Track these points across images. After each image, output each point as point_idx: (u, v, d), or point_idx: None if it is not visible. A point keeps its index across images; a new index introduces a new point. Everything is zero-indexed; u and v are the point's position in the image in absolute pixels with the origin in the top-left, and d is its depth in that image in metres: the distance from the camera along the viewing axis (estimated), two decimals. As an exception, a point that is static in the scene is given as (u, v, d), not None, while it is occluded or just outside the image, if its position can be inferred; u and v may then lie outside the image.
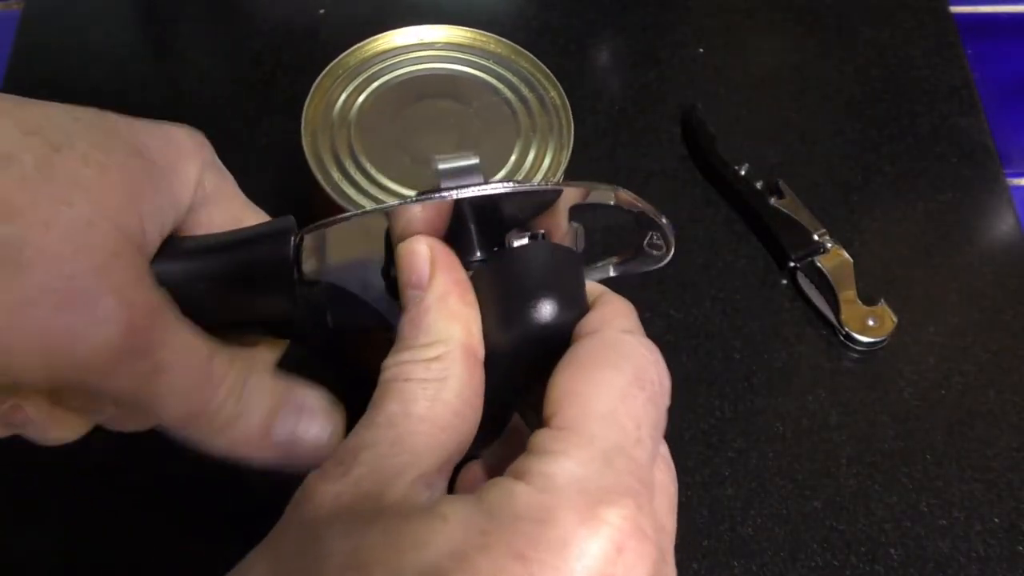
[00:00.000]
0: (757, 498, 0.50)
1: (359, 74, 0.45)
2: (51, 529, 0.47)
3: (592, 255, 0.35)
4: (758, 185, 0.59)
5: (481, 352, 0.30)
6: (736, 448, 0.51)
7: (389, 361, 0.29)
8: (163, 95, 0.63)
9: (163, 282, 0.32)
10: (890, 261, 0.58)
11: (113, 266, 0.29)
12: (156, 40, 0.67)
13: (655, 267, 0.35)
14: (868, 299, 0.55)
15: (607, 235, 0.35)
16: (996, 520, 0.50)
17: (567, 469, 0.26)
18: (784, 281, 0.57)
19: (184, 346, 0.32)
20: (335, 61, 0.45)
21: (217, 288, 0.33)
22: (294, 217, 0.34)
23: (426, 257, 0.31)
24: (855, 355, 0.55)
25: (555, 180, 0.41)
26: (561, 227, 0.34)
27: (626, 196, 0.33)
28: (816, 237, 0.57)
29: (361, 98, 0.45)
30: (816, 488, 0.50)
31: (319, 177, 0.42)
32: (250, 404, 0.34)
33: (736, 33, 0.68)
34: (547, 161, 0.43)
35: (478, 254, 0.33)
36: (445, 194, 0.31)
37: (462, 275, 0.31)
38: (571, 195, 0.33)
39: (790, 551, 0.48)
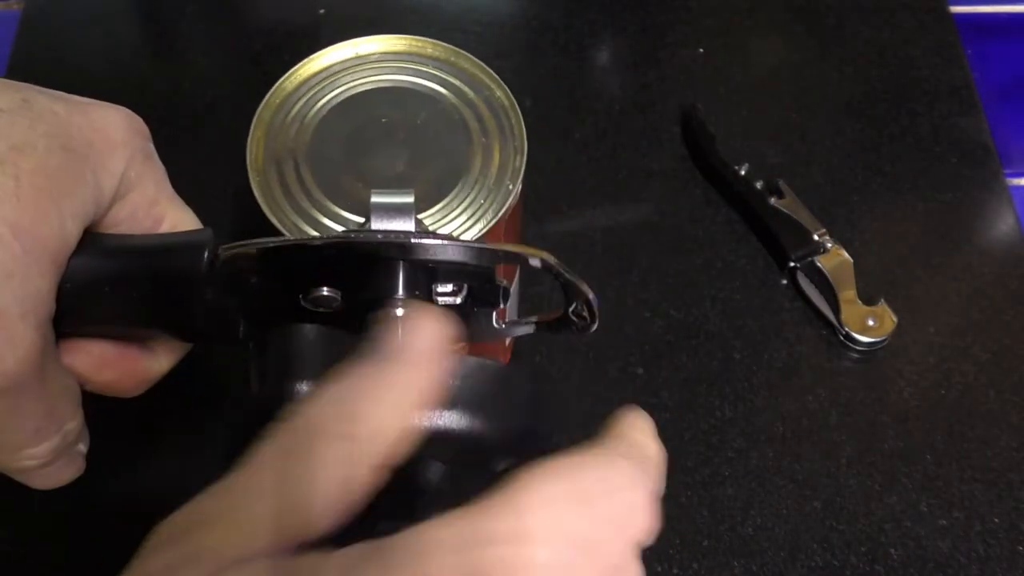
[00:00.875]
0: (757, 498, 0.50)
1: (299, 99, 0.44)
2: None
3: (518, 310, 0.35)
4: (758, 185, 0.59)
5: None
6: (736, 448, 0.51)
7: None
8: (163, 95, 0.63)
9: (73, 280, 0.31)
10: (890, 261, 0.58)
11: (3, 292, 0.28)
12: (156, 40, 0.67)
13: (578, 336, 0.35)
14: (868, 299, 0.55)
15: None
16: (996, 520, 0.50)
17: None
18: (784, 281, 0.57)
19: (43, 393, 0.31)
20: (272, 90, 0.43)
21: (125, 291, 0.32)
22: (214, 229, 0.33)
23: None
24: (855, 355, 0.55)
25: (480, 239, 0.40)
26: (487, 282, 0.33)
27: (553, 263, 0.32)
28: (816, 237, 0.57)
29: (305, 122, 0.43)
30: (816, 488, 0.50)
31: (273, 219, 0.40)
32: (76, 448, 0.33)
33: (736, 33, 0.68)
34: (501, 165, 0.42)
35: (400, 293, 0.32)
36: (370, 237, 0.31)
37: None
38: (497, 257, 0.32)
39: (790, 551, 0.48)
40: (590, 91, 0.65)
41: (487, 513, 0.24)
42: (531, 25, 0.67)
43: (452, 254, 0.32)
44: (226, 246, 0.32)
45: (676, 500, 0.50)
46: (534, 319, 0.36)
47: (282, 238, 0.33)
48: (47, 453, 0.32)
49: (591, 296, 0.33)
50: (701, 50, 0.67)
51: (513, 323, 0.37)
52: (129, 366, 0.35)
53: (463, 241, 0.33)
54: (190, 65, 0.66)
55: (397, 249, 0.32)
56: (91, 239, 0.32)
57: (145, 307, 0.33)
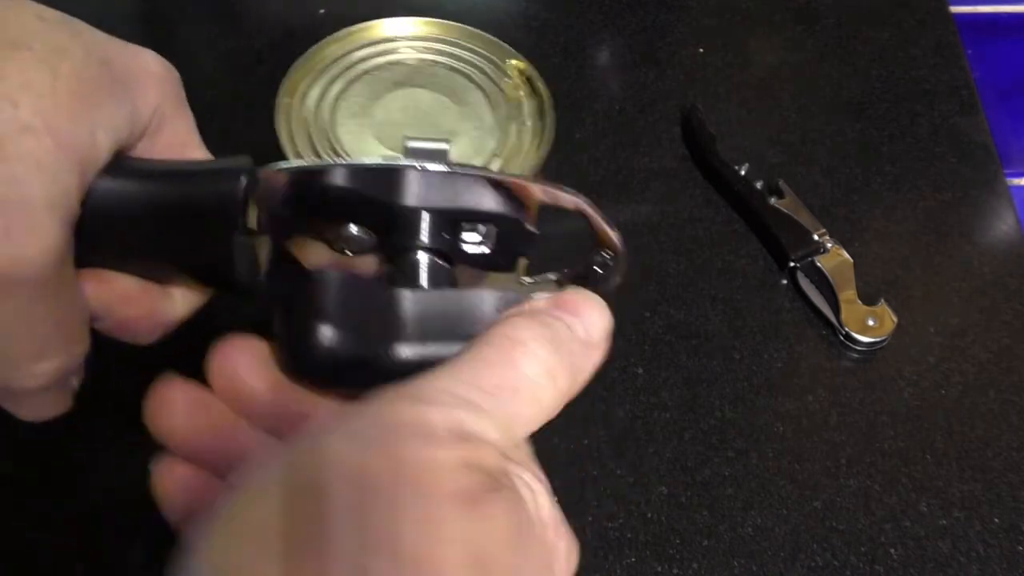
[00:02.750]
0: (757, 498, 0.50)
1: (330, 67, 0.45)
2: None
3: (539, 265, 0.35)
4: (758, 185, 0.59)
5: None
6: (736, 448, 0.51)
7: None
8: (163, 95, 0.63)
9: (102, 199, 0.31)
10: (890, 261, 0.58)
11: (31, 181, 0.28)
12: (156, 40, 0.67)
13: (603, 287, 0.34)
14: (868, 299, 0.55)
15: (559, 247, 0.34)
16: (996, 520, 0.50)
17: None
18: (784, 281, 0.57)
19: (57, 301, 0.30)
20: (303, 56, 0.45)
21: (156, 216, 0.32)
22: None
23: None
24: (855, 355, 0.55)
25: (519, 174, 0.40)
26: (517, 227, 0.33)
27: (584, 205, 0.32)
28: (816, 237, 0.57)
29: (335, 90, 0.44)
30: (816, 488, 0.50)
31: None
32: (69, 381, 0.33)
33: (736, 33, 0.68)
34: (525, 149, 0.43)
35: (424, 238, 0.32)
36: (407, 163, 0.31)
37: None
38: (529, 192, 0.32)
39: (790, 551, 0.48)
40: (590, 91, 0.65)
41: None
42: (531, 25, 0.67)
43: (486, 189, 0.32)
44: (264, 168, 0.31)
45: (676, 500, 0.50)
46: (556, 275, 0.36)
47: (322, 161, 0.33)
48: (49, 373, 0.31)
49: (618, 240, 0.33)
50: (701, 50, 0.67)
51: (539, 279, 0.36)
52: (148, 306, 0.34)
53: (499, 173, 0.33)
54: (190, 65, 0.65)
55: (429, 181, 0.31)
56: (124, 161, 0.32)
57: (174, 236, 0.32)
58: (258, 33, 0.66)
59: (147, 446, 0.32)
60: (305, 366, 0.31)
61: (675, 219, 0.59)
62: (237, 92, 0.63)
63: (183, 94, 0.35)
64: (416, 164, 0.31)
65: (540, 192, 0.32)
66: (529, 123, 0.44)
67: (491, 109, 0.44)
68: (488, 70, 0.46)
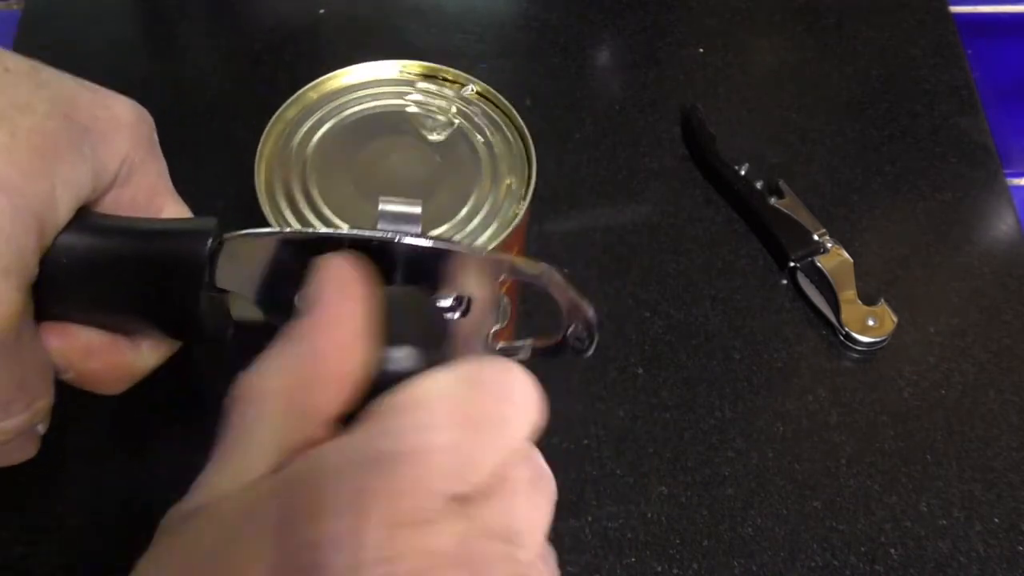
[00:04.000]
0: (757, 498, 0.50)
1: (316, 111, 0.44)
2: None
3: (514, 334, 0.35)
4: (758, 185, 0.59)
5: (308, 397, 0.27)
6: (736, 448, 0.51)
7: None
8: (163, 95, 0.63)
9: (66, 256, 0.30)
10: (890, 261, 0.58)
11: None
12: (156, 40, 0.67)
13: (573, 358, 0.34)
14: (868, 299, 0.55)
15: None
16: (996, 520, 0.50)
17: None
18: (784, 281, 0.57)
19: (18, 361, 0.30)
20: (292, 97, 0.43)
21: (120, 274, 0.32)
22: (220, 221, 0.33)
23: (336, 280, 0.28)
24: (855, 355, 0.55)
25: (489, 248, 0.40)
26: (488, 296, 0.33)
27: (558, 280, 0.32)
28: (816, 237, 0.57)
29: (317, 137, 0.43)
30: (816, 488, 0.50)
31: (271, 217, 0.40)
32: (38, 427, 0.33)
33: (736, 33, 0.68)
34: (508, 189, 0.42)
35: None
36: (372, 234, 0.31)
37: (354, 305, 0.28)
38: (502, 267, 0.32)
39: (790, 551, 0.48)
40: (590, 91, 0.65)
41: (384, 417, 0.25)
42: (531, 25, 0.67)
43: (456, 261, 0.32)
44: (231, 233, 0.31)
45: (676, 500, 0.50)
46: (530, 342, 0.36)
47: (288, 229, 0.33)
48: (12, 429, 0.31)
49: (590, 315, 0.32)
50: (701, 50, 0.67)
51: (509, 346, 0.36)
52: (114, 359, 0.34)
53: (465, 247, 0.33)
54: (190, 65, 0.66)
55: (401, 251, 0.31)
56: (88, 216, 0.32)
57: (139, 293, 0.32)
58: (257, 33, 0.66)
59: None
60: None
61: (675, 219, 0.59)
62: (236, 93, 0.63)
63: (155, 139, 0.35)
64: (387, 236, 0.31)
65: (510, 268, 0.32)
66: (511, 177, 0.43)
67: (472, 153, 0.43)
68: (475, 117, 0.44)
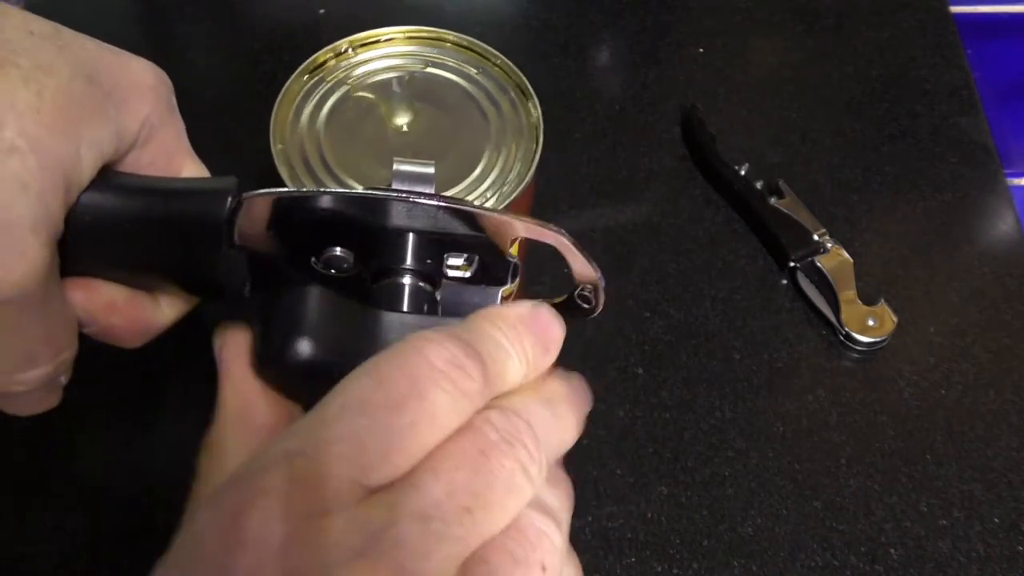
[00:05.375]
0: (757, 498, 0.50)
1: (328, 79, 0.45)
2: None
3: (522, 295, 0.35)
4: (758, 185, 0.59)
5: (260, 421, 0.31)
6: (736, 448, 0.51)
7: None
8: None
9: (89, 214, 0.31)
10: (890, 261, 0.58)
11: (15, 203, 0.28)
12: (156, 40, 0.67)
13: (581, 319, 0.35)
14: (868, 299, 0.55)
15: None
16: (996, 520, 0.50)
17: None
18: (784, 281, 0.57)
19: (44, 315, 0.31)
20: (301, 66, 0.45)
21: (142, 232, 0.32)
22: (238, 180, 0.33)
23: (218, 350, 0.32)
24: (855, 355, 0.55)
25: (502, 208, 0.41)
26: (498, 256, 0.33)
27: (566, 241, 0.32)
28: (816, 237, 0.57)
29: (331, 102, 0.44)
30: (816, 488, 0.50)
31: (289, 182, 0.41)
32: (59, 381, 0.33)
33: (736, 33, 0.68)
34: (515, 169, 0.43)
35: (408, 262, 0.33)
36: (386, 193, 0.31)
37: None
38: (513, 227, 0.33)
39: (790, 551, 0.48)
40: (590, 91, 0.65)
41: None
42: (531, 25, 0.67)
43: (468, 220, 0.32)
44: (250, 192, 0.32)
45: (676, 500, 0.50)
46: (540, 302, 0.37)
47: (305, 188, 0.33)
48: (37, 380, 0.32)
49: (598, 276, 0.33)
50: (701, 50, 0.67)
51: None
52: (135, 313, 0.34)
53: (480, 207, 0.33)
54: (190, 65, 0.66)
55: (415, 210, 0.32)
56: (111, 176, 0.32)
57: (160, 250, 0.33)
58: (257, 33, 0.66)
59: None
60: (277, 373, 0.32)
61: (675, 219, 0.59)
62: (236, 93, 0.63)
63: (174, 102, 0.35)
64: (401, 195, 0.31)
65: (522, 228, 0.32)
66: (521, 134, 0.44)
67: (484, 120, 0.44)
68: (483, 83, 0.46)
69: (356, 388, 0.26)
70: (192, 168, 0.36)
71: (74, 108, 0.30)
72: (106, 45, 0.33)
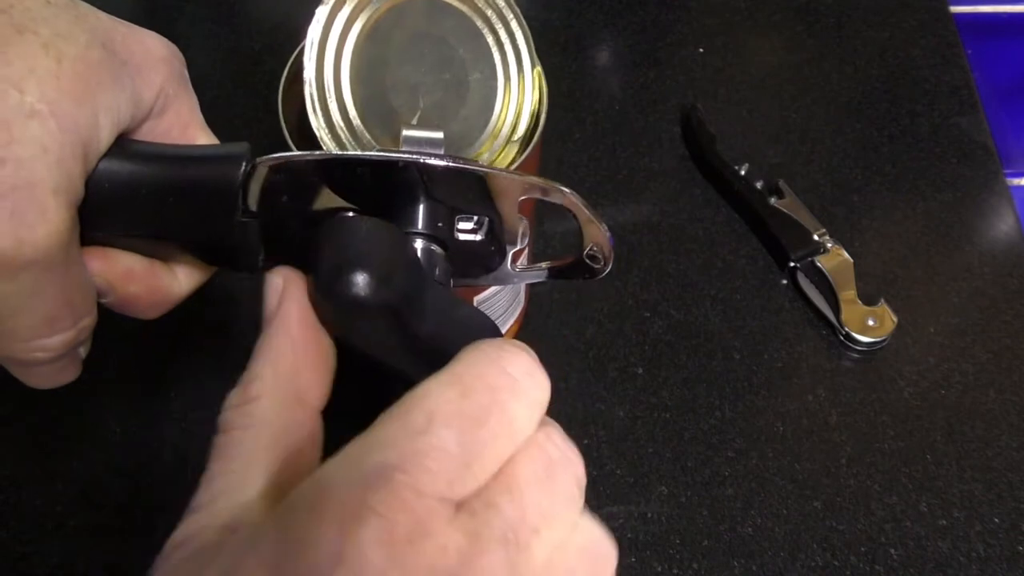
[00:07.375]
0: (757, 498, 0.50)
1: (337, 26, 0.43)
2: None
3: (532, 256, 0.35)
4: (758, 185, 0.59)
5: (306, 390, 0.29)
6: (736, 448, 0.51)
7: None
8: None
9: (108, 180, 0.31)
10: (890, 261, 0.58)
11: (37, 165, 0.29)
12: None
13: (590, 279, 0.35)
14: (868, 299, 0.55)
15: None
16: (996, 520, 0.50)
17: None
18: (784, 281, 0.57)
19: (64, 279, 0.31)
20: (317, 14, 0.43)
21: (158, 198, 0.32)
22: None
23: (277, 290, 0.30)
24: (855, 355, 0.55)
25: (511, 168, 0.41)
26: (508, 216, 0.34)
27: (575, 200, 0.33)
28: (816, 237, 0.57)
29: (345, 51, 0.43)
30: (816, 488, 0.50)
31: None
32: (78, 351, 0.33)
33: (736, 33, 0.68)
34: (521, 125, 0.43)
35: (420, 226, 0.33)
36: (398, 155, 0.32)
37: (308, 312, 0.30)
38: (522, 187, 0.33)
39: (790, 551, 0.48)
40: (590, 91, 0.65)
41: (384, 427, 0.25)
42: (531, 25, 0.67)
43: (478, 182, 0.32)
44: (264, 158, 0.32)
45: (676, 500, 0.50)
46: (547, 264, 0.37)
47: (318, 152, 0.34)
48: (58, 346, 0.32)
49: (607, 234, 0.33)
50: (701, 50, 0.67)
51: (527, 268, 0.37)
52: (152, 283, 0.35)
53: (490, 167, 0.34)
54: (190, 65, 0.65)
55: (427, 171, 0.32)
56: (127, 144, 0.33)
57: (176, 217, 0.33)
58: (257, 33, 0.66)
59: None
60: (334, 307, 0.30)
61: (675, 219, 0.59)
62: (236, 92, 0.63)
63: (187, 75, 0.36)
64: (412, 157, 0.32)
65: (532, 187, 0.33)
66: (527, 101, 0.44)
67: (490, 83, 0.44)
68: (490, 47, 0.45)
69: (441, 399, 0.26)
70: (205, 140, 0.36)
71: (92, 75, 0.30)
72: (119, 19, 0.33)
